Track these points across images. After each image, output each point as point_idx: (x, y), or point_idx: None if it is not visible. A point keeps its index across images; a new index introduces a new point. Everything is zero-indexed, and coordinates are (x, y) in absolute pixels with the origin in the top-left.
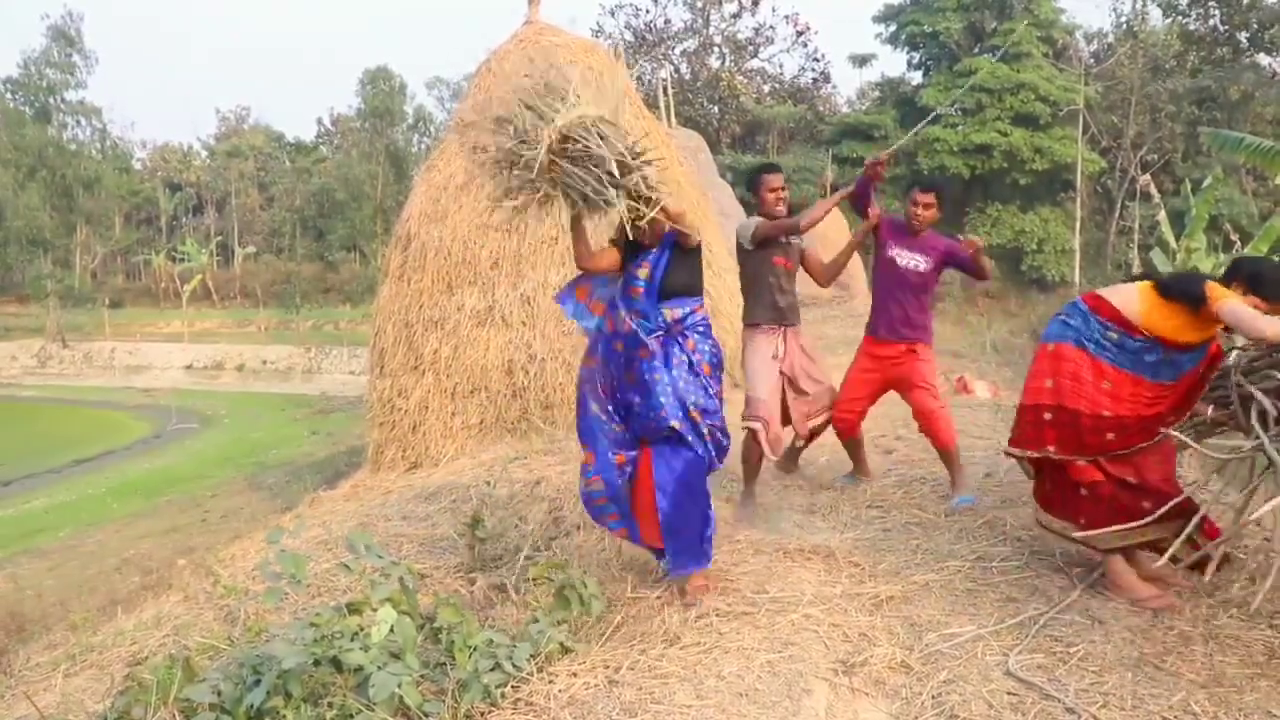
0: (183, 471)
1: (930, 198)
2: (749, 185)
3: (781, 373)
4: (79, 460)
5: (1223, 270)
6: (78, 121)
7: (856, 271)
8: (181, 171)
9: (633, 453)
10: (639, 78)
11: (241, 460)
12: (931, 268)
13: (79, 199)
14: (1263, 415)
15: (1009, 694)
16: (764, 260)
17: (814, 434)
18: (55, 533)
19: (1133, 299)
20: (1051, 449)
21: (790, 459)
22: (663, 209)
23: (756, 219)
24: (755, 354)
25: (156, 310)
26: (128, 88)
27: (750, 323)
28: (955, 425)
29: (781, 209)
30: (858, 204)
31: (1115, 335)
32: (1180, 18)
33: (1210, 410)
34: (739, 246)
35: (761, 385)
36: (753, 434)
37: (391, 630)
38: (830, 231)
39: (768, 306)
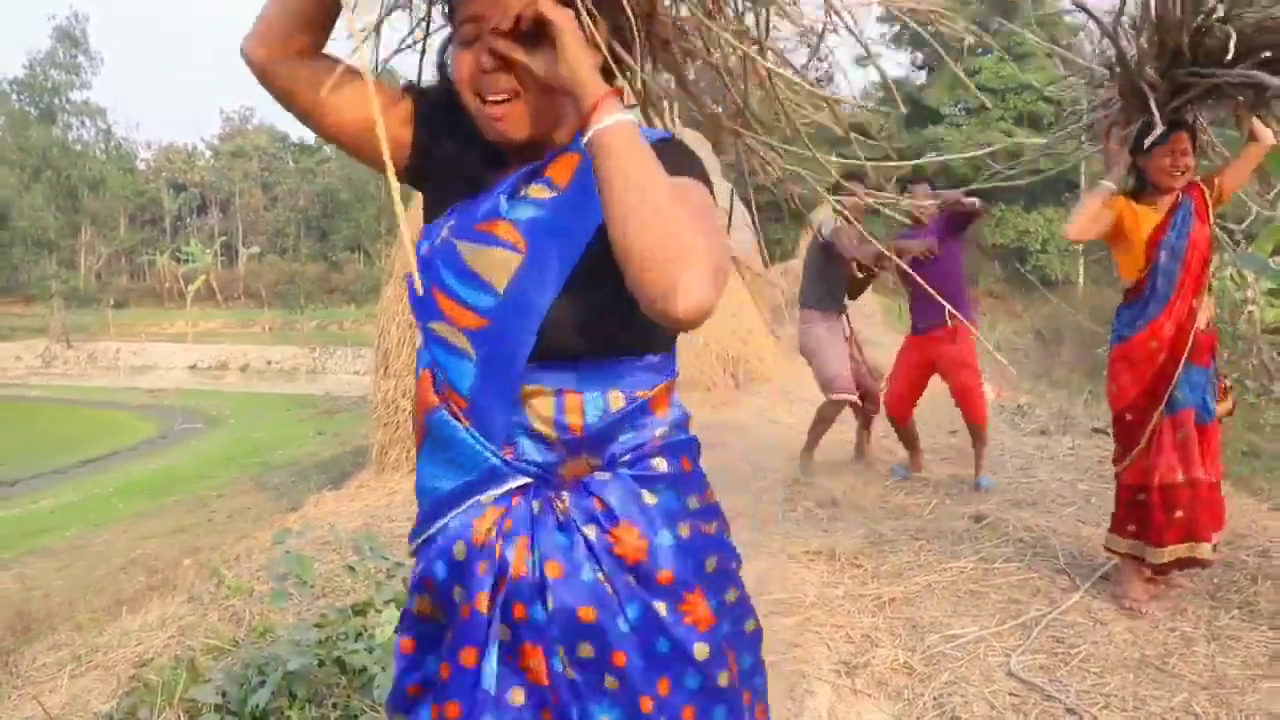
0: (188, 472)
1: (924, 189)
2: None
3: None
4: (85, 460)
5: None
6: (82, 122)
7: None
8: (186, 172)
9: None
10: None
11: (246, 460)
12: (935, 242)
13: (83, 200)
14: None
15: (1011, 695)
16: (840, 260)
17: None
18: (62, 533)
19: None
20: None
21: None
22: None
23: (843, 227)
24: (828, 336)
25: (161, 311)
26: (132, 88)
27: (821, 308)
28: (985, 401)
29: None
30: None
31: None
32: None
33: None
34: (815, 238)
35: (838, 362)
36: (840, 403)
37: (396, 631)
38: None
39: (837, 298)
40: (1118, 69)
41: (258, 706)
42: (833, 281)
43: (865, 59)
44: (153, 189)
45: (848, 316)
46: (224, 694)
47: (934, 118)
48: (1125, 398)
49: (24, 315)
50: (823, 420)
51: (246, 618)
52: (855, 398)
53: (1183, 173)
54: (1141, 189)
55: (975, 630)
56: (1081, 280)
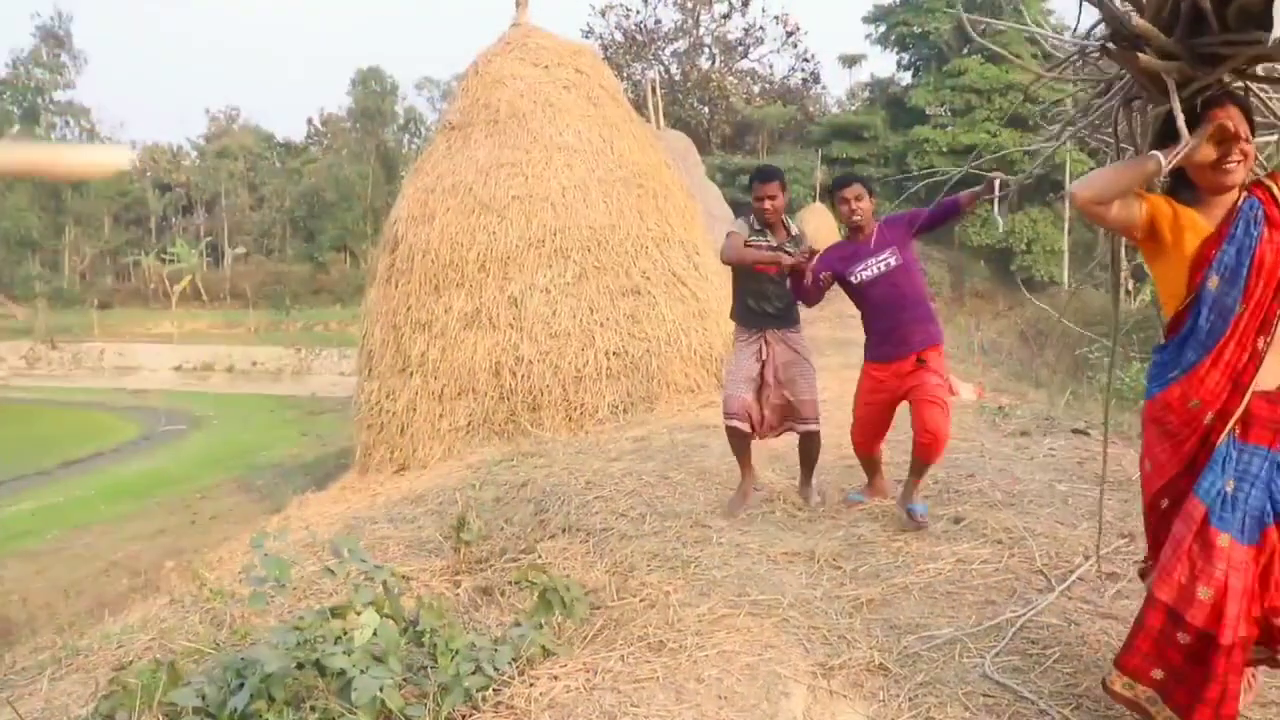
0: (172, 473)
1: (856, 189)
2: (751, 188)
3: (762, 375)
4: (67, 462)
5: None
6: (66, 122)
7: None
8: (171, 172)
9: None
10: (629, 79)
11: (231, 462)
12: (899, 259)
13: (67, 200)
14: None
15: (985, 696)
16: (744, 266)
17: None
18: (43, 535)
19: None
20: None
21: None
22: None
23: (738, 226)
24: (738, 354)
25: (146, 311)
26: (116, 87)
27: (739, 323)
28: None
29: (768, 217)
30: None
31: None
32: None
33: None
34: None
35: (734, 384)
36: (733, 430)
37: (375, 634)
38: (820, 231)
39: (745, 310)
40: (1112, 42)
41: (236, 710)
42: (747, 292)
43: (850, 59)
44: (138, 189)
45: (777, 336)
46: (203, 697)
47: (919, 118)
48: (1160, 477)
49: (7, 316)
50: (734, 453)
51: (227, 620)
52: (743, 426)
53: (1239, 162)
54: (1182, 189)
55: (951, 631)
56: (1066, 282)
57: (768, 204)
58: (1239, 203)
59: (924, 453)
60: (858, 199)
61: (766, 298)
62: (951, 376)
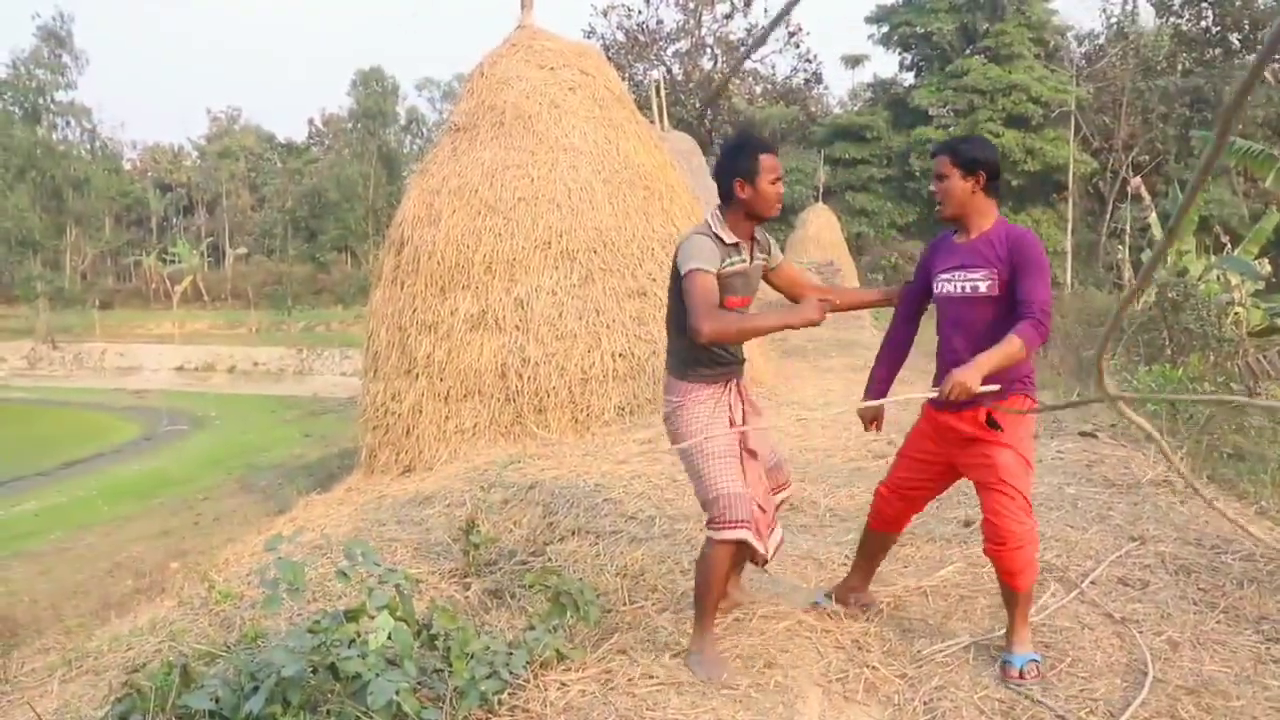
0: (174, 474)
1: (938, 162)
2: (732, 168)
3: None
4: (69, 462)
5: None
6: (67, 122)
7: (849, 267)
8: (172, 172)
9: None
10: (630, 79)
11: (233, 462)
12: (994, 283)
13: (68, 200)
14: None
15: (1000, 701)
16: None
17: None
18: (45, 535)
19: None
20: None
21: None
22: None
23: (702, 249)
24: (701, 419)
25: (147, 311)
26: (117, 87)
27: (688, 376)
28: (1034, 553)
29: (778, 208)
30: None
31: None
32: (1173, 18)
33: None
34: (675, 271)
35: (728, 468)
36: (733, 545)
37: (389, 637)
38: (823, 232)
39: (706, 356)
40: None
41: (251, 713)
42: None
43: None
44: (139, 189)
45: (740, 382)
46: (217, 700)
47: (922, 118)
48: None
49: (8, 316)
50: (709, 580)
51: (237, 623)
52: (746, 535)
53: None
54: None
55: (965, 636)
56: (1069, 283)
57: (780, 188)
58: None
59: (996, 567)
60: (940, 176)
61: None
62: None
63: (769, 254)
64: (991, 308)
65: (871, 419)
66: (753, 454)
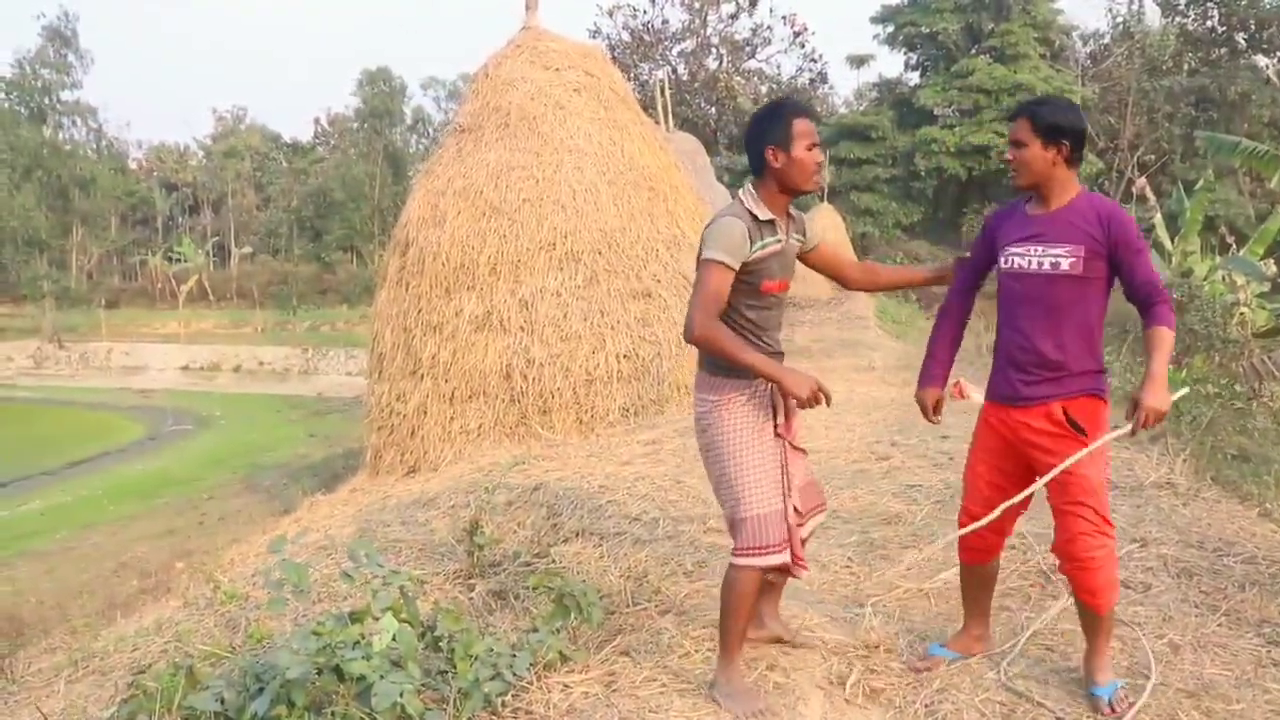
0: (179, 473)
1: (1015, 127)
2: (763, 135)
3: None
4: (74, 462)
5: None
6: (73, 121)
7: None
8: (177, 172)
9: None
10: (635, 79)
11: (237, 462)
12: (1077, 261)
13: (74, 199)
14: None
15: (1000, 704)
16: (747, 281)
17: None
18: (51, 535)
19: None
20: None
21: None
22: None
23: (734, 231)
24: (741, 429)
25: (152, 311)
26: (123, 87)
27: (729, 373)
28: (1115, 572)
29: (818, 180)
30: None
31: None
32: (1179, 18)
33: None
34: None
35: (765, 484)
36: (771, 570)
37: (393, 639)
38: (828, 232)
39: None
40: None
41: (256, 715)
42: (745, 322)
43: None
44: (144, 189)
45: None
46: (222, 701)
47: (927, 118)
48: None
49: (14, 316)
50: (735, 607)
51: (243, 624)
52: (781, 558)
53: None
54: None
55: None
56: None
57: (819, 155)
58: None
59: (1074, 586)
60: (1016, 142)
61: (772, 326)
62: (963, 379)
63: (804, 234)
64: (1071, 287)
65: (934, 404)
66: (800, 451)
